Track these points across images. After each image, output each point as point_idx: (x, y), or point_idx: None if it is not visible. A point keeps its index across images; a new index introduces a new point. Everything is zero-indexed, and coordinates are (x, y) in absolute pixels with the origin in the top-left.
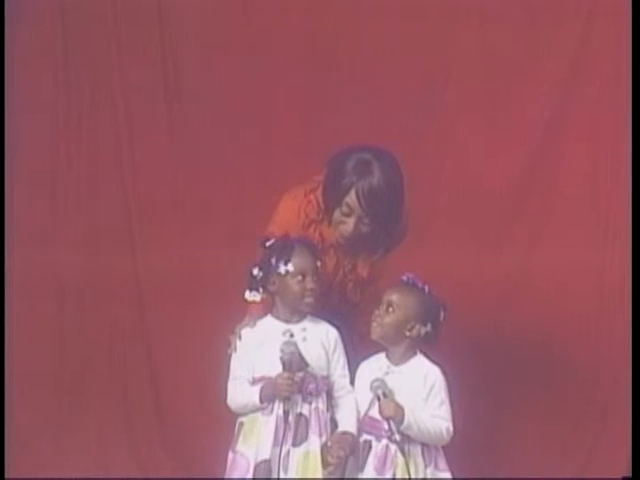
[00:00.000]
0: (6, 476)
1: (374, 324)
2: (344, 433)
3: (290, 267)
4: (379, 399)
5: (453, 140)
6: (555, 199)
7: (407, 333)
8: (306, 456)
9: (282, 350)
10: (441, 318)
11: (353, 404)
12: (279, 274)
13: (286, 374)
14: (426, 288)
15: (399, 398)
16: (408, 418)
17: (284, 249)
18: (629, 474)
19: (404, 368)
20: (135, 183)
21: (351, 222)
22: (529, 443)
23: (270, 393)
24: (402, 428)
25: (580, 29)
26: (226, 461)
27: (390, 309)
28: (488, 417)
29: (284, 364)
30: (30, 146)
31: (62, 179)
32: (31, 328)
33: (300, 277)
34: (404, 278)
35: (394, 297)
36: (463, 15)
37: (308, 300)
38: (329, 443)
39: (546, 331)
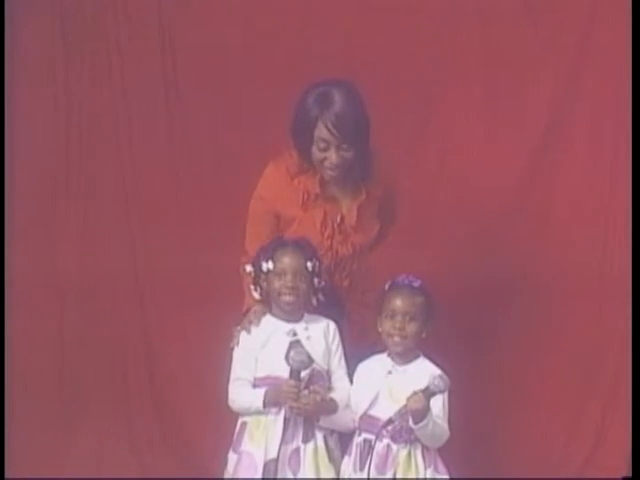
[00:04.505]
0: (6, 476)
1: (396, 339)
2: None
3: (270, 265)
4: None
5: (453, 140)
6: (555, 199)
7: (424, 334)
8: (315, 452)
9: (292, 359)
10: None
11: (347, 385)
12: (263, 272)
13: (292, 382)
14: (416, 283)
15: (402, 396)
16: (429, 419)
17: (270, 248)
18: (629, 474)
19: (408, 368)
20: (135, 183)
21: (332, 152)
22: (529, 443)
23: (274, 399)
24: (419, 425)
25: (580, 29)
26: (226, 461)
27: (408, 317)
28: (487, 417)
29: (292, 372)
30: (30, 146)
31: (62, 179)
32: (31, 328)
33: (281, 275)
34: (404, 281)
35: (408, 304)
36: (463, 15)
37: (286, 298)
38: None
39: (546, 331)
